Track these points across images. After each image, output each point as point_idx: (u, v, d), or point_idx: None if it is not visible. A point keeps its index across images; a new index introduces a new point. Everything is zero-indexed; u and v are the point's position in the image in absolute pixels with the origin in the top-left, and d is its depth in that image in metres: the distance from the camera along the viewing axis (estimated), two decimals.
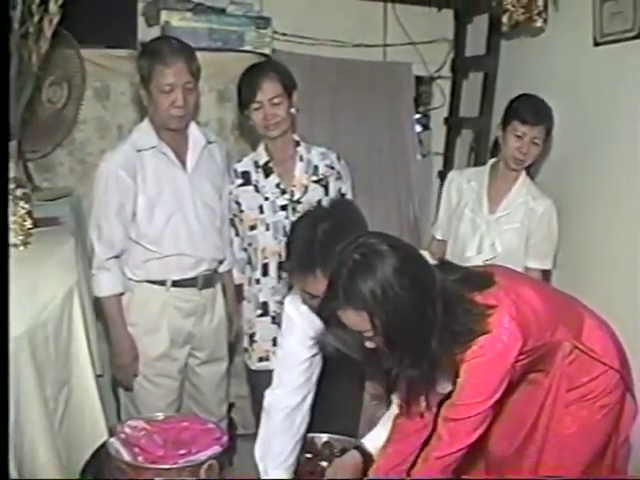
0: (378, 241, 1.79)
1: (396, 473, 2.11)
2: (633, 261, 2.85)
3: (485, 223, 3.04)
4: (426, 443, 2.06)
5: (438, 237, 3.30)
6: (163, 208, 2.77)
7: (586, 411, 2.06)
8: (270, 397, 2.34)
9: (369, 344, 1.84)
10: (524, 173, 3.06)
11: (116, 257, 2.78)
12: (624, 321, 2.34)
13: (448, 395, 1.94)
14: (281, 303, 2.70)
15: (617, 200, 2.99)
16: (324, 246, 1.97)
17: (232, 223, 2.94)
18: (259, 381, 2.79)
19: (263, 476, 2.28)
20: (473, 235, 3.06)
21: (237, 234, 2.95)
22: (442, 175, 4.40)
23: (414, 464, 2.06)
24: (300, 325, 2.31)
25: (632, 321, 2.64)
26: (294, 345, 2.32)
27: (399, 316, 1.73)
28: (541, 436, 2.08)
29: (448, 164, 4.39)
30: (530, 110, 2.95)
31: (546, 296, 2.11)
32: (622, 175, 2.96)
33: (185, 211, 2.81)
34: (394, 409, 2.23)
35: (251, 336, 2.93)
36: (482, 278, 1.96)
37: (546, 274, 3.09)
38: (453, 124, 4.39)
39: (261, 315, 2.88)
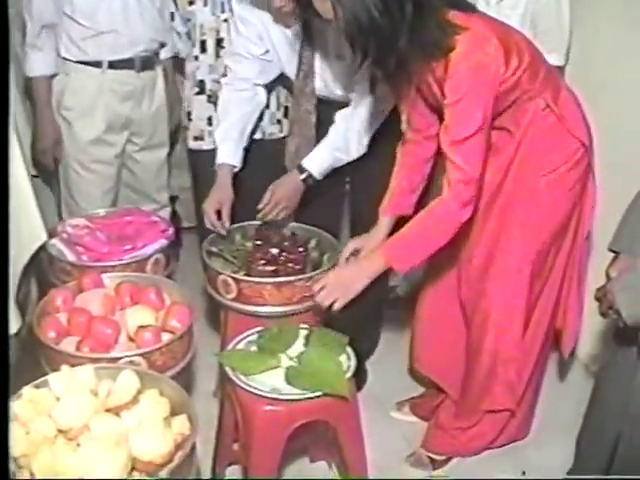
0: None
1: (409, 202, 2.17)
2: None
3: (486, 5, 2.66)
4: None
5: None
6: None
7: (553, 181, 2.05)
8: (227, 85, 2.53)
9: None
10: None
11: (48, 35, 2.72)
12: None
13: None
14: (218, 82, 2.70)
15: None
16: None
17: None
18: (197, 163, 2.87)
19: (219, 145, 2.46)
20: None
21: (177, 9, 2.86)
22: None
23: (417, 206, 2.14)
24: (251, 20, 2.39)
25: None
26: (244, 38, 2.42)
27: (359, 6, 1.69)
28: (507, 195, 2.09)
29: None
30: None
31: (531, 45, 2.01)
32: None
33: None
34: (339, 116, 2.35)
35: (188, 114, 2.87)
36: None
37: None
38: None
39: (197, 93, 2.81)
